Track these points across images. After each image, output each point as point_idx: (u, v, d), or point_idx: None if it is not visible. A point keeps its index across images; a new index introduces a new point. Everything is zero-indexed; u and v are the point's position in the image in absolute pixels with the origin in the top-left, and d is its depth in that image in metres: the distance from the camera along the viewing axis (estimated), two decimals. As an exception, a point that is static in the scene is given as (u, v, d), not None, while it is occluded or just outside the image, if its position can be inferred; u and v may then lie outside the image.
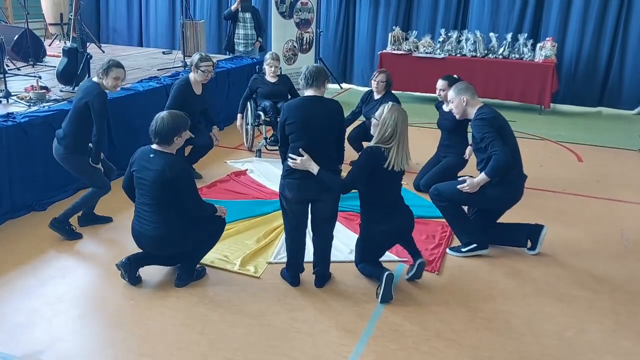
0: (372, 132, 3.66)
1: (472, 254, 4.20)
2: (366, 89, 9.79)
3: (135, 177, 3.65)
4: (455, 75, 5.32)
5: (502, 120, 4.13)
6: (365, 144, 4.67)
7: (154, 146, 3.61)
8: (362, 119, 6.11)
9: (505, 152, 3.91)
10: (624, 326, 3.46)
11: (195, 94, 5.41)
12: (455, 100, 4.20)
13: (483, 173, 4.01)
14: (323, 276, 3.80)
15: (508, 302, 3.68)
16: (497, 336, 3.33)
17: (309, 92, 3.62)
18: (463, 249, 4.23)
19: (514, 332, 3.38)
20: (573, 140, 7.29)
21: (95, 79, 4.31)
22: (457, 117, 4.28)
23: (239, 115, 6.33)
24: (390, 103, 3.67)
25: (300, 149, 3.51)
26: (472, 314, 3.54)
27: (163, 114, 3.63)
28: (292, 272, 3.81)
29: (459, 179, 4.28)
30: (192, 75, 5.44)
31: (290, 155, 3.56)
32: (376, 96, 5.92)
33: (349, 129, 5.36)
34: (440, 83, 5.33)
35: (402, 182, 3.77)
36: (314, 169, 3.49)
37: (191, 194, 3.61)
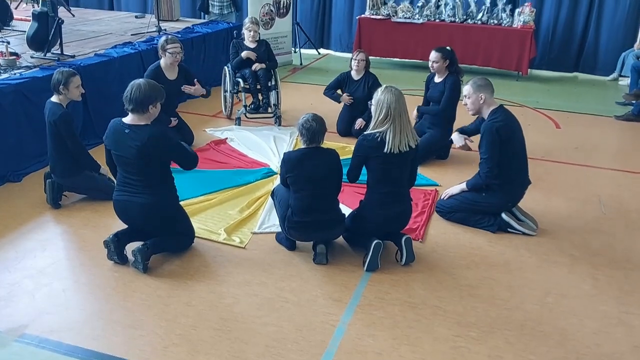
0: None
1: (521, 228, 4.15)
2: (344, 54, 9.86)
3: (113, 155, 3.55)
4: (448, 47, 5.23)
5: (513, 127, 4.05)
6: None
7: (127, 120, 3.49)
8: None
9: (488, 177, 4.02)
10: (602, 291, 3.55)
11: (168, 80, 5.16)
12: (472, 97, 4.02)
13: (464, 184, 4.23)
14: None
15: (490, 269, 3.74)
16: (481, 302, 3.39)
17: (308, 145, 3.63)
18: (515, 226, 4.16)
19: (497, 298, 3.44)
20: (550, 107, 7.34)
21: (54, 98, 4.17)
22: (471, 113, 4.15)
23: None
24: (384, 85, 3.67)
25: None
26: (456, 281, 3.60)
27: (139, 80, 3.54)
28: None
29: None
30: (162, 60, 5.26)
31: None
32: (356, 77, 5.84)
33: None
34: (434, 55, 5.18)
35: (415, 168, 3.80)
36: None
37: (182, 153, 3.63)
